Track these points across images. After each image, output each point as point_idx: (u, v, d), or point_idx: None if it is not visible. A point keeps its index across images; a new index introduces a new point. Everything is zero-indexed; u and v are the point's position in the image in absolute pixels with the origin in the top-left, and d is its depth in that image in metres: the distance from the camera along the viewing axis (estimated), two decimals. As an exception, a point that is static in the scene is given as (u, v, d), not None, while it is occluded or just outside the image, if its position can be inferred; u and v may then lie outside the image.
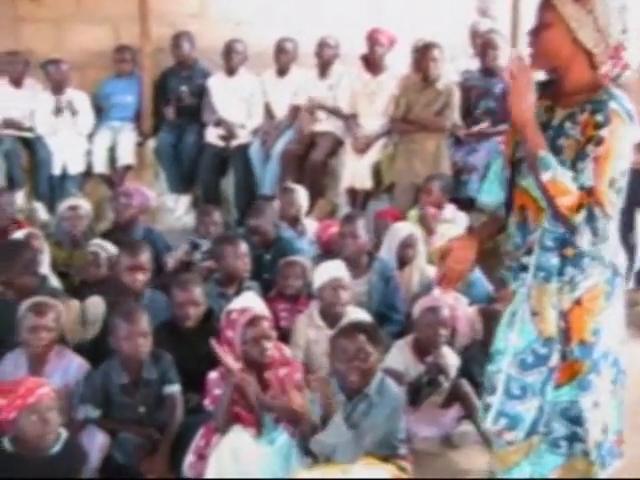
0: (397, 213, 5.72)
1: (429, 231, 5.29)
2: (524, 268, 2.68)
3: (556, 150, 2.53)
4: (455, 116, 6.30)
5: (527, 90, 2.47)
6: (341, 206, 6.61)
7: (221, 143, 6.70)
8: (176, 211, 6.79)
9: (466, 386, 3.86)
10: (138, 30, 6.94)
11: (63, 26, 7.23)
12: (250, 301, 3.89)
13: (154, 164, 6.96)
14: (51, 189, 6.70)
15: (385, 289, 4.69)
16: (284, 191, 5.63)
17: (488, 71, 6.63)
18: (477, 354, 4.07)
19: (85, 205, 5.50)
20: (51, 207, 6.52)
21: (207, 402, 3.61)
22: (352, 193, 6.52)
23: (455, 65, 7.02)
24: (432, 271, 4.93)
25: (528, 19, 6.17)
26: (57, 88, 6.78)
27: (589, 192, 2.44)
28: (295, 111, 6.80)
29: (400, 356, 4.04)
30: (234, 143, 6.69)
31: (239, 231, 5.50)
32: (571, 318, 2.62)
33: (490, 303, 4.42)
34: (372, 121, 6.55)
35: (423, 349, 4.07)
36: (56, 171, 6.65)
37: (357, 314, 4.23)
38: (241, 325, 3.59)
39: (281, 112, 6.88)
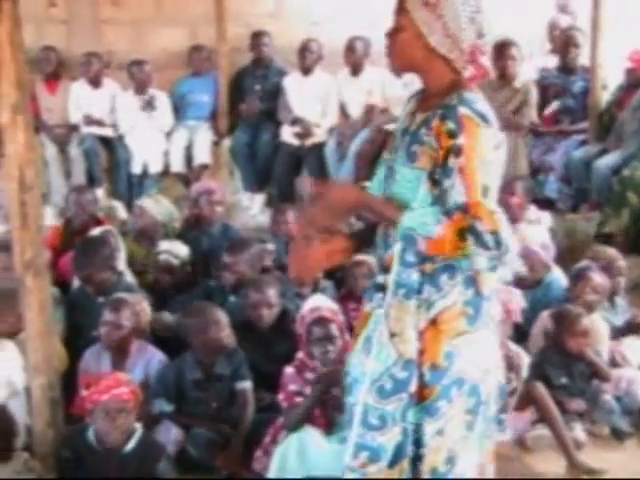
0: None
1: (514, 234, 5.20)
2: (380, 288, 2.48)
3: (410, 157, 2.40)
4: (532, 115, 6.20)
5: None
6: (415, 206, 6.56)
7: (296, 142, 6.73)
8: (251, 209, 6.84)
9: (540, 388, 3.80)
10: (215, 31, 7.03)
11: (142, 28, 7.38)
12: (319, 303, 3.89)
13: (229, 163, 7.04)
14: (130, 188, 6.84)
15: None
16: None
17: (567, 69, 6.51)
18: (551, 356, 4.03)
19: (158, 204, 5.54)
20: (129, 205, 6.66)
21: (281, 397, 3.61)
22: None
23: (531, 62, 6.91)
24: (509, 273, 4.88)
25: (608, 16, 6.14)
26: (140, 88, 6.91)
27: (464, 209, 2.26)
28: (370, 110, 6.78)
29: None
30: (309, 142, 6.72)
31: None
32: (425, 338, 2.41)
33: (564, 303, 4.33)
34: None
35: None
36: (136, 170, 6.78)
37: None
38: (307, 324, 3.60)
39: (356, 111, 6.87)
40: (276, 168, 6.76)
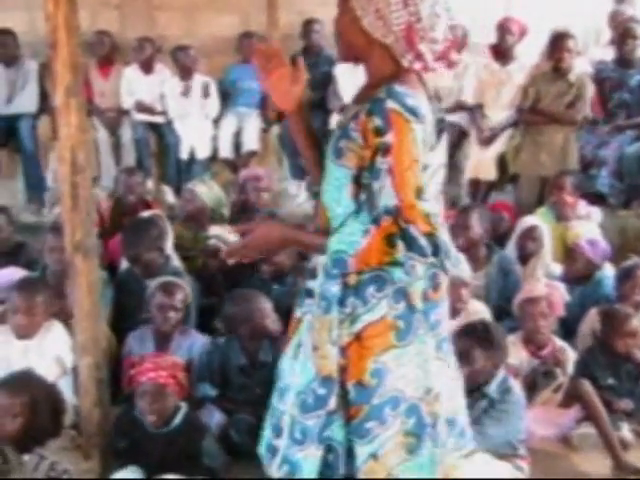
0: (512, 206, 5.60)
1: (567, 229, 5.14)
2: (310, 293, 2.36)
3: (337, 153, 2.24)
4: (587, 109, 6.09)
5: None
6: (462, 198, 6.52)
7: (345, 130, 6.70)
8: (298, 197, 6.84)
9: (587, 386, 3.74)
10: (266, 17, 7.02)
11: (194, 14, 7.39)
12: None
13: (278, 150, 7.04)
14: (178, 173, 6.88)
15: (504, 283, 4.60)
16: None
17: (624, 62, 6.39)
18: (598, 356, 3.97)
19: (210, 189, 5.56)
20: (178, 191, 6.71)
21: None
22: (474, 184, 6.42)
23: (586, 55, 6.80)
24: (558, 268, 4.84)
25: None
26: (185, 73, 6.94)
27: (395, 213, 2.12)
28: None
29: (514, 351, 3.95)
30: (357, 131, 6.67)
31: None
32: (349, 354, 2.26)
33: (613, 302, 4.26)
34: (498, 112, 6.42)
35: (535, 343, 3.99)
36: (184, 155, 6.81)
37: (477, 308, 4.17)
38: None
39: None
40: (324, 156, 6.72)
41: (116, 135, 6.86)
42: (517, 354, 3.94)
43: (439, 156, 2.27)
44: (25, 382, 3.34)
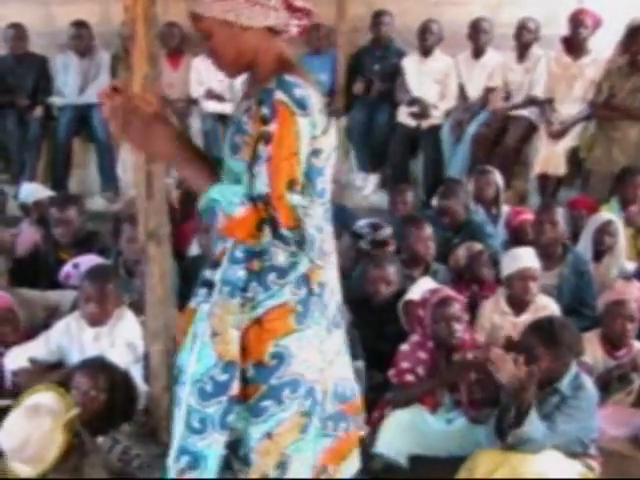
0: (592, 202, 5.50)
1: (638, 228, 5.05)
2: (206, 283, 2.38)
3: (233, 148, 2.29)
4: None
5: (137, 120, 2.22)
6: (531, 193, 6.44)
7: (413, 123, 6.67)
8: (364, 189, 6.84)
9: (661, 387, 3.67)
10: (335, 9, 7.01)
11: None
12: (425, 287, 3.87)
13: (345, 142, 7.03)
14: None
15: (578, 283, 4.50)
16: (481, 173, 5.52)
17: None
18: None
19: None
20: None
21: (392, 373, 3.65)
22: (543, 179, 6.33)
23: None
24: (631, 265, 4.75)
25: None
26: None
27: (266, 201, 2.15)
28: (489, 94, 6.66)
29: (589, 349, 3.89)
30: (426, 124, 6.65)
31: (427, 212, 5.46)
32: (248, 337, 2.30)
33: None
34: (569, 106, 6.31)
35: (612, 343, 3.91)
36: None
37: (545, 302, 4.12)
38: (432, 305, 3.59)
39: (475, 94, 6.77)
40: (391, 149, 6.72)
41: (185, 125, 6.94)
42: (593, 352, 3.87)
43: (332, 139, 2.34)
44: (102, 366, 3.42)
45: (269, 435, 2.34)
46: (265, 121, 2.16)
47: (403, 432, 3.39)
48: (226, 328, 2.30)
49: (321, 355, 2.39)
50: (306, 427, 2.38)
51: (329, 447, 2.47)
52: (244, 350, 2.32)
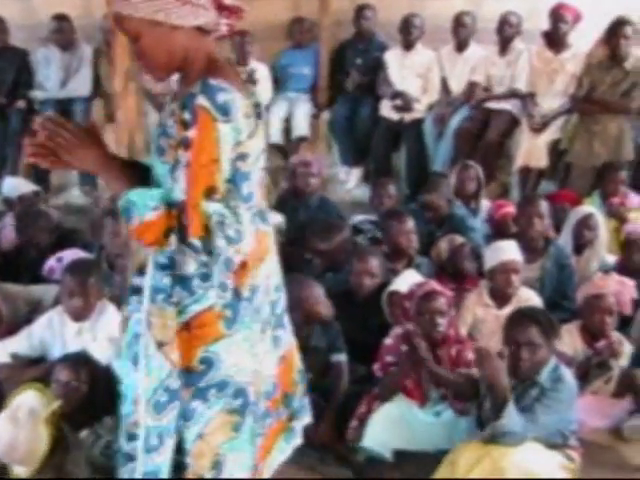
0: (574, 196, 5.54)
1: (622, 221, 5.09)
2: (136, 290, 2.35)
3: (159, 151, 2.28)
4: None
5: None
6: (513, 186, 6.48)
7: (395, 117, 6.68)
8: (347, 183, 6.84)
9: (641, 377, 3.71)
10: (317, 3, 7.01)
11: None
12: (410, 279, 3.89)
13: (328, 136, 7.05)
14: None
15: (559, 276, 4.55)
16: (463, 168, 5.54)
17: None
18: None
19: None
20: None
21: (376, 368, 3.67)
22: (525, 172, 6.36)
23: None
24: (611, 259, 4.79)
25: None
26: (241, 59, 6.96)
27: (181, 208, 2.14)
28: (472, 88, 6.68)
29: (569, 340, 3.93)
30: (408, 118, 6.66)
31: (410, 206, 5.48)
32: (177, 343, 2.28)
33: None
34: (551, 100, 6.35)
35: (592, 335, 3.95)
36: (234, 141, 6.83)
37: (528, 296, 4.15)
38: (417, 297, 3.60)
39: (458, 88, 6.78)
40: (374, 143, 6.73)
41: (167, 119, 6.92)
42: (572, 344, 3.92)
43: (259, 142, 2.32)
44: (83, 359, 3.41)
45: (200, 436, 2.35)
46: (186, 126, 2.14)
47: (391, 426, 3.40)
48: (172, 336, 2.28)
49: (253, 358, 2.39)
50: (238, 426, 2.38)
51: (260, 446, 2.48)
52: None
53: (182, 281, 2.27)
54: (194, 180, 2.15)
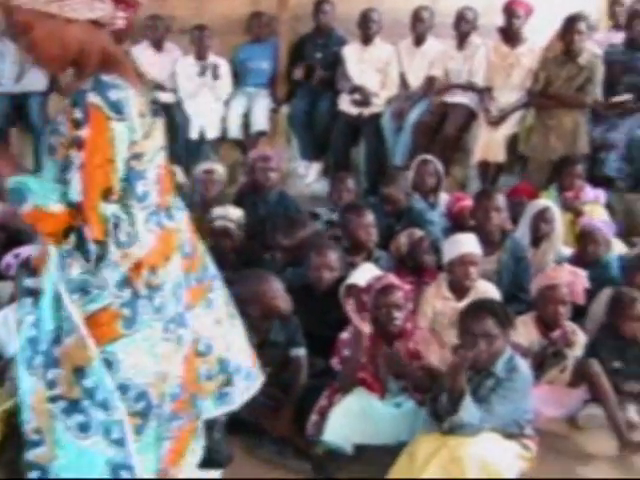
0: (532, 189, 5.61)
1: (577, 214, 5.15)
2: (30, 292, 2.31)
3: (50, 150, 2.20)
4: (597, 92, 6.09)
5: None
6: (471, 180, 6.53)
7: (354, 111, 6.70)
8: (306, 178, 6.85)
9: (595, 366, 3.76)
10: (276, -3, 7.03)
11: (204, -6, 7.38)
12: (368, 273, 3.91)
13: (287, 130, 7.05)
14: (187, 153, 6.88)
15: (516, 269, 4.59)
16: (422, 162, 5.56)
17: (633, 45, 6.37)
18: (606, 340, 3.98)
19: (220, 169, 5.60)
20: (187, 170, 6.73)
21: (335, 362, 3.70)
22: (483, 166, 6.43)
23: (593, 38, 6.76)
24: (567, 251, 4.86)
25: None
26: (201, 54, 6.93)
27: (78, 209, 2.09)
28: (430, 82, 6.72)
29: (525, 331, 3.98)
30: (367, 112, 6.68)
31: (370, 200, 5.50)
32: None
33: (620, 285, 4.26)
34: (508, 94, 6.41)
35: (547, 326, 4.00)
36: (194, 135, 6.81)
37: (486, 288, 4.19)
38: (374, 291, 3.62)
39: (416, 82, 6.82)
40: (333, 137, 6.75)
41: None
42: (528, 334, 3.96)
43: (157, 140, 2.29)
44: None
45: None
46: (77, 125, 2.06)
47: (352, 419, 3.41)
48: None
49: (154, 358, 2.31)
50: (140, 429, 2.32)
51: (170, 449, 2.43)
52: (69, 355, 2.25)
53: (78, 281, 2.21)
54: (90, 182, 2.08)
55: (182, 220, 2.46)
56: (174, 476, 2.47)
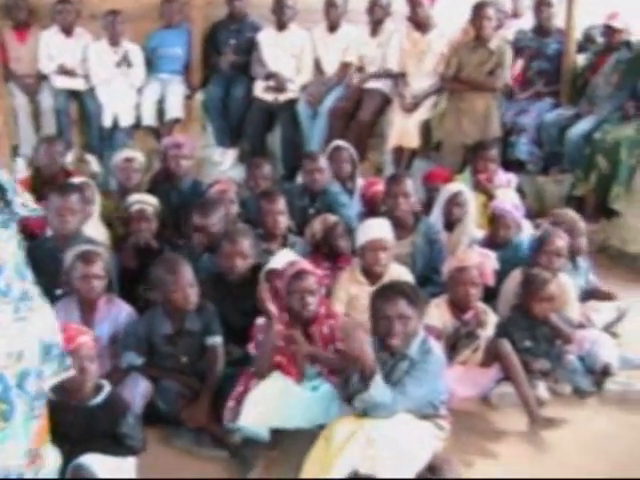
0: (447, 174, 5.68)
1: (490, 197, 5.25)
2: None
3: None
4: (507, 76, 6.21)
5: None
6: (387, 165, 6.59)
7: (269, 98, 6.69)
8: (222, 164, 6.81)
9: (506, 346, 3.84)
10: (189, -18, 6.94)
11: (115, -23, 7.22)
12: (286, 259, 3.91)
13: (202, 117, 6.99)
14: (100, 140, 6.76)
15: (429, 251, 4.66)
16: (335, 150, 5.57)
17: (541, 31, 6.52)
18: (517, 319, 4.09)
19: (140, 157, 5.50)
20: (100, 158, 6.63)
21: (251, 347, 3.70)
22: (398, 152, 6.49)
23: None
24: (479, 233, 4.94)
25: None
26: (114, 40, 6.80)
27: None
28: (345, 68, 6.75)
29: (438, 314, 4.04)
30: (282, 98, 6.68)
31: (286, 186, 5.50)
32: None
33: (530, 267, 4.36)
34: (421, 80, 6.49)
35: (459, 307, 4.07)
36: (107, 123, 6.70)
37: (398, 272, 4.24)
38: (287, 277, 3.63)
39: (331, 68, 6.83)
40: (248, 124, 6.72)
41: (35, 101, 6.71)
42: (441, 317, 4.03)
43: None
44: None
45: None
46: None
47: (268, 403, 3.42)
48: None
49: (6, 340, 2.32)
50: (7, 414, 2.32)
51: (38, 427, 2.44)
52: None
53: None
54: None
55: None
56: (44, 455, 2.46)
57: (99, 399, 3.23)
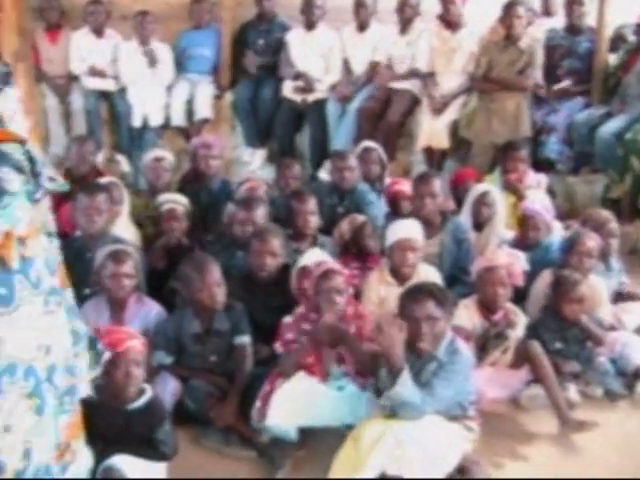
0: (477, 174, 5.65)
1: (520, 197, 5.21)
2: None
3: None
4: (537, 75, 6.17)
5: None
6: (416, 165, 6.57)
7: (298, 98, 6.69)
8: (251, 165, 6.83)
9: (536, 347, 3.81)
10: (219, -17, 6.96)
11: (145, -21, 7.27)
12: (319, 257, 3.91)
13: (231, 117, 7.01)
14: (130, 140, 6.81)
15: (457, 251, 4.64)
16: (364, 151, 5.54)
17: (573, 29, 6.46)
18: (547, 321, 4.06)
19: (169, 157, 5.53)
20: (130, 158, 6.67)
21: (278, 345, 3.70)
22: (428, 152, 6.47)
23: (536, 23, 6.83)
24: (509, 234, 4.91)
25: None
26: (143, 40, 6.84)
27: None
28: (374, 67, 6.73)
29: (467, 314, 4.02)
30: (311, 98, 6.68)
31: (314, 185, 5.50)
32: None
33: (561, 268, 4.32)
34: (450, 79, 6.46)
35: (488, 308, 4.04)
36: (136, 123, 6.74)
37: (427, 272, 4.22)
38: (315, 277, 3.63)
39: (360, 68, 6.82)
40: (277, 124, 6.73)
41: (66, 102, 6.77)
42: (470, 318, 4.00)
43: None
44: None
45: (7, 429, 2.26)
46: None
47: (294, 403, 3.42)
48: None
49: (37, 332, 2.29)
50: (40, 408, 2.30)
51: (69, 422, 2.41)
52: None
53: None
54: None
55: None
56: (75, 449, 2.45)
57: (140, 403, 3.21)
